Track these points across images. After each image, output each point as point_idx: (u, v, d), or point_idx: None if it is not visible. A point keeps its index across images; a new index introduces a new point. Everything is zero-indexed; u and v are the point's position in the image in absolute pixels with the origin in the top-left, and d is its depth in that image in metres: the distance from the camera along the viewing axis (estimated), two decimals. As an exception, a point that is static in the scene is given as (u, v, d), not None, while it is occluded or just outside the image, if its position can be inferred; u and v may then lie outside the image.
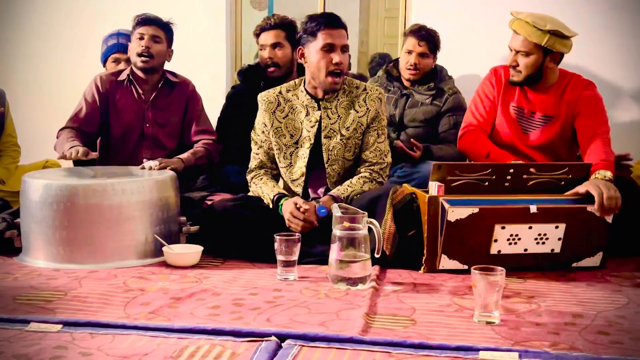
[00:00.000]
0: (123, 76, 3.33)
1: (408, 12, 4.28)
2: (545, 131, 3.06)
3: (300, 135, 2.88)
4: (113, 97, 3.33)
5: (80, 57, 4.37)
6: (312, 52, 2.81)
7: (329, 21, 2.79)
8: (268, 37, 3.48)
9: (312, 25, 2.80)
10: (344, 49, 2.80)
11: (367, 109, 2.86)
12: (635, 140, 3.84)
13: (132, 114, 3.32)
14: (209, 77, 4.20)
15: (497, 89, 3.12)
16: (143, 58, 3.24)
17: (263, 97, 2.94)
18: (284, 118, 2.90)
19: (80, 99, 3.37)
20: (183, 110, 3.38)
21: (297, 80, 2.96)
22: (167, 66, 3.40)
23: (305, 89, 2.90)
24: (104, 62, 3.74)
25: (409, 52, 3.63)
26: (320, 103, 2.87)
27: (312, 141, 2.86)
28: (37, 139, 4.22)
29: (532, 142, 3.08)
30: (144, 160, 3.07)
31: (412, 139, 3.49)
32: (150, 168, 2.96)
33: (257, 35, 3.54)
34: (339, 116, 2.86)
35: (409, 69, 3.64)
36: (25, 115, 4.27)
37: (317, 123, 2.86)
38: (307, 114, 2.88)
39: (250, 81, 3.60)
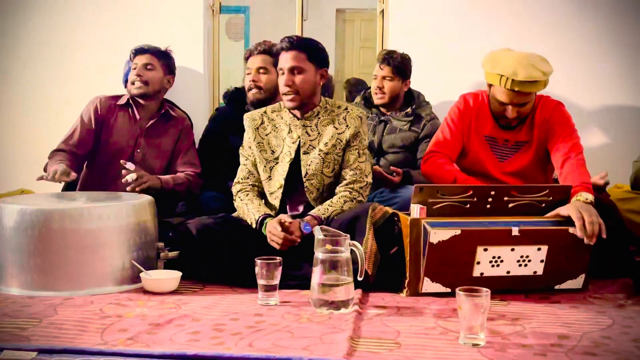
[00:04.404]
0: (123, 100, 3.40)
1: (385, 41, 4.30)
2: (519, 157, 3.05)
3: (282, 152, 2.92)
4: (109, 120, 3.37)
5: (61, 82, 4.25)
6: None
7: (282, 45, 2.88)
8: (255, 61, 3.51)
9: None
10: (294, 70, 2.84)
11: (347, 126, 2.91)
12: (605, 164, 3.85)
13: (125, 137, 3.35)
14: (186, 105, 4.15)
15: (466, 117, 3.09)
16: (137, 84, 3.32)
17: (248, 116, 3.03)
18: (266, 135, 2.96)
19: (75, 120, 3.38)
20: (174, 142, 3.41)
21: (281, 103, 3.01)
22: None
23: (288, 109, 2.95)
24: None
25: (375, 77, 3.67)
26: (300, 121, 2.92)
27: (293, 156, 2.89)
28: (13, 167, 4.15)
29: (507, 169, 3.07)
30: (124, 164, 3.07)
31: (391, 166, 3.48)
32: (127, 181, 3.00)
33: (246, 59, 3.58)
34: (318, 133, 2.92)
35: (376, 93, 3.67)
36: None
37: (299, 140, 2.90)
38: (290, 132, 2.93)
39: (236, 104, 3.60)
